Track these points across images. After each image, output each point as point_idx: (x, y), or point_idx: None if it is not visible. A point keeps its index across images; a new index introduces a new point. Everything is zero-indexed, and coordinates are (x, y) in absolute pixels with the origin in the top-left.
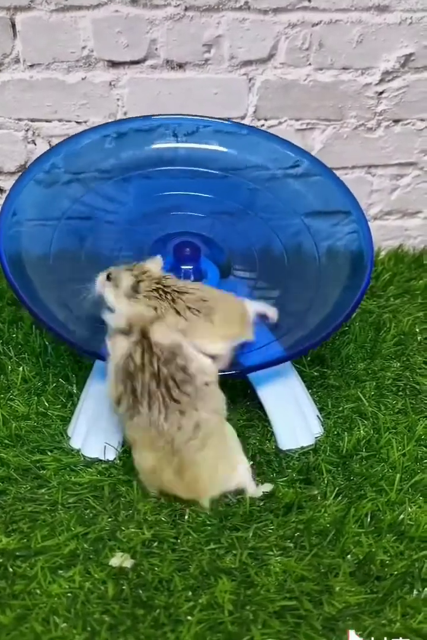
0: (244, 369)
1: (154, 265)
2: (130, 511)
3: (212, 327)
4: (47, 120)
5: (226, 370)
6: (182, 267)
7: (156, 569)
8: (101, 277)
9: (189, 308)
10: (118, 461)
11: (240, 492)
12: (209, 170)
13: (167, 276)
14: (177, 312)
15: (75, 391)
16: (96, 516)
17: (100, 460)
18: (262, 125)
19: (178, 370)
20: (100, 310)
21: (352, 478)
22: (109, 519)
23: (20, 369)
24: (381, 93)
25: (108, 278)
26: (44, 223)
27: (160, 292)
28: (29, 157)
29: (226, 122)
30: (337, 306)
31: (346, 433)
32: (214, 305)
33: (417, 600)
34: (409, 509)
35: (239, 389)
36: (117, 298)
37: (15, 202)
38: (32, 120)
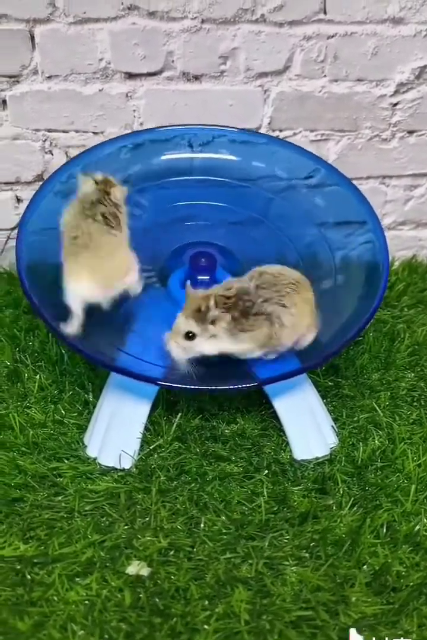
0: (260, 381)
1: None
2: (147, 519)
3: None
4: (64, 131)
5: (242, 383)
6: (199, 277)
7: (172, 577)
8: (177, 345)
9: None
10: (134, 469)
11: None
12: (225, 180)
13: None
14: None
15: (91, 399)
16: (112, 524)
17: (116, 468)
18: (277, 136)
19: None
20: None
21: (367, 488)
22: (126, 527)
23: (37, 377)
24: (395, 104)
25: (190, 337)
26: (61, 232)
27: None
28: (46, 168)
29: (242, 131)
30: (352, 316)
31: (360, 443)
32: None
33: None
34: (425, 520)
35: (254, 398)
36: (220, 342)
37: (34, 212)
38: (50, 130)
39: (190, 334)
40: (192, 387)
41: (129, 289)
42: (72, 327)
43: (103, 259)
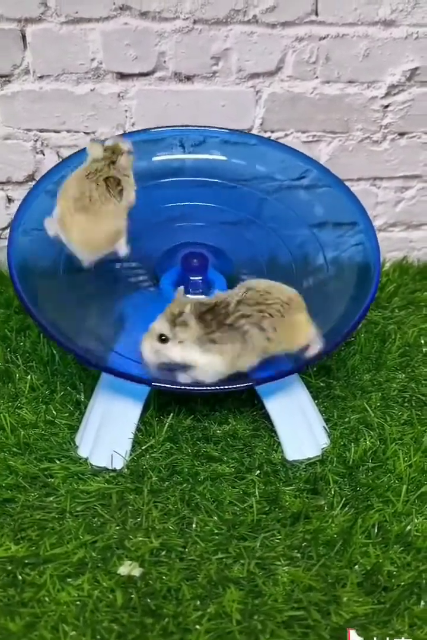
0: (252, 381)
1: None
2: (138, 519)
3: None
4: (55, 131)
5: (235, 383)
6: (191, 277)
7: (164, 577)
8: (150, 345)
9: None
10: (126, 470)
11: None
12: (217, 180)
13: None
14: None
15: (83, 399)
16: (104, 524)
17: (108, 468)
18: (269, 137)
19: None
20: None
21: (358, 489)
22: (117, 528)
23: (28, 377)
24: (386, 106)
25: (162, 339)
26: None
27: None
28: (38, 168)
29: (234, 132)
30: (343, 317)
31: (352, 444)
32: None
33: (424, 611)
34: (416, 520)
35: (245, 399)
36: (189, 350)
37: (26, 212)
38: (41, 130)
39: (162, 337)
40: (184, 387)
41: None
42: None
43: (96, 225)
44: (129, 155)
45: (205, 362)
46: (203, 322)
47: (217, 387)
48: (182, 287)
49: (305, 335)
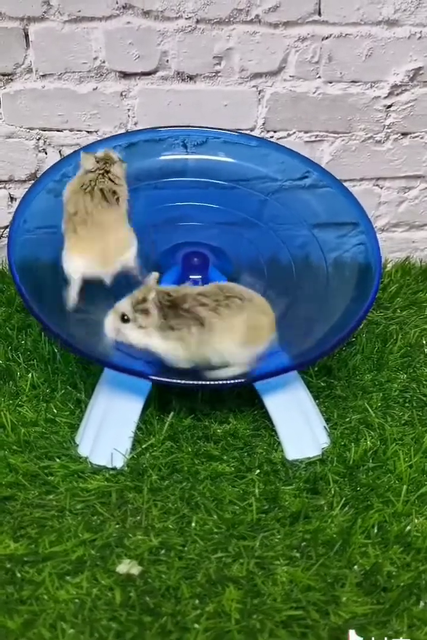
0: (250, 377)
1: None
2: (138, 518)
3: None
4: (58, 130)
5: (234, 379)
6: (191, 276)
7: (163, 576)
8: (112, 322)
9: None
10: (126, 468)
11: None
12: (218, 181)
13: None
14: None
15: (83, 398)
16: (103, 523)
17: (108, 467)
18: (271, 137)
19: None
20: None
21: (358, 489)
22: (117, 526)
23: (29, 375)
24: (389, 106)
25: (124, 319)
26: (54, 231)
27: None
28: (40, 166)
29: (235, 133)
30: (344, 317)
31: (352, 444)
32: None
33: (423, 611)
34: (416, 521)
35: (246, 398)
36: (149, 337)
37: (26, 210)
38: (44, 129)
39: (124, 317)
40: (184, 382)
41: (126, 267)
42: (69, 299)
43: (101, 235)
44: (121, 164)
45: (166, 349)
46: (162, 311)
47: (217, 383)
48: (156, 274)
49: (257, 335)
